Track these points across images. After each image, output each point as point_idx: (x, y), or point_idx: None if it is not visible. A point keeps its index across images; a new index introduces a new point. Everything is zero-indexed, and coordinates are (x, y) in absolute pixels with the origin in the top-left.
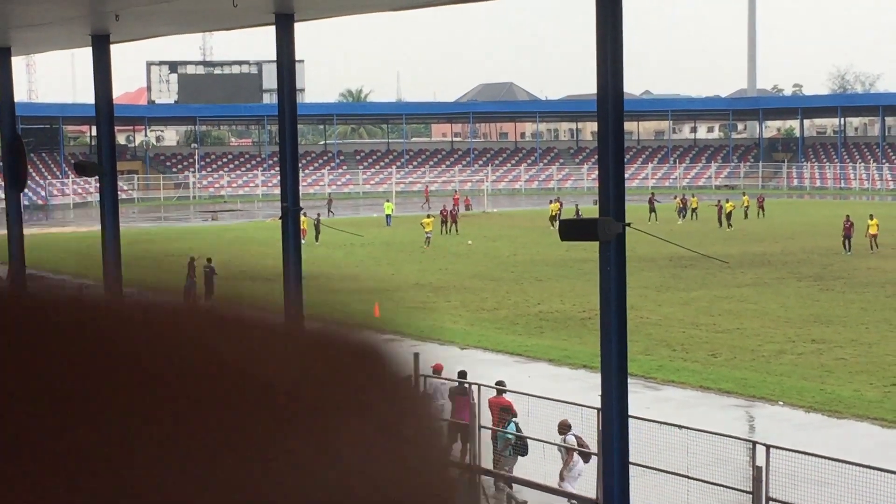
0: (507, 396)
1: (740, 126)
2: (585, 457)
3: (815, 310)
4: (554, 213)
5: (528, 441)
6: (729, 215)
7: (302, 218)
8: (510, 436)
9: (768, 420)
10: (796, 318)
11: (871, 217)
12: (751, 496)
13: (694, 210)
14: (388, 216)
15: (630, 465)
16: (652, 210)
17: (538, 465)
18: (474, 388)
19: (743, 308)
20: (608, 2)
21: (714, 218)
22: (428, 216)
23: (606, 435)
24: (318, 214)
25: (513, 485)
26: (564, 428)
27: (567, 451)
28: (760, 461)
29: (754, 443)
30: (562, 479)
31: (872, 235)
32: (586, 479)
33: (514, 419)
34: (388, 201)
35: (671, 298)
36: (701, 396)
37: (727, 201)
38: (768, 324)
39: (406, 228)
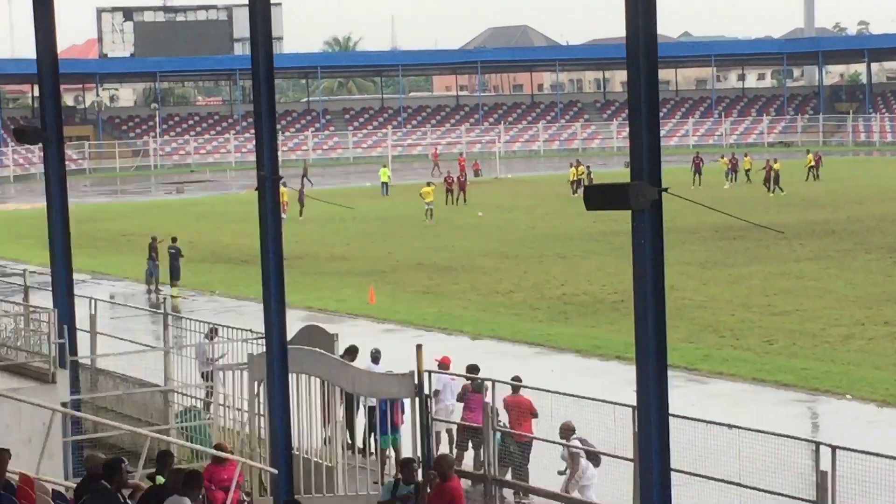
0: (526, 394)
1: (796, 72)
2: (595, 460)
3: (888, 287)
4: (575, 178)
5: (536, 443)
6: (777, 177)
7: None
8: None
9: (834, 417)
10: (866, 297)
11: None
12: None
13: (747, 171)
14: (384, 184)
15: (672, 472)
16: (697, 172)
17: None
18: (488, 385)
19: (802, 286)
20: None
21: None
22: (428, 184)
23: (644, 437)
24: (302, 184)
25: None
26: (568, 431)
27: (571, 458)
28: (825, 465)
29: (818, 444)
30: (568, 489)
31: None
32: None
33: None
34: (384, 167)
35: (718, 276)
36: (754, 390)
37: (775, 161)
38: (832, 304)
39: (405, 199)
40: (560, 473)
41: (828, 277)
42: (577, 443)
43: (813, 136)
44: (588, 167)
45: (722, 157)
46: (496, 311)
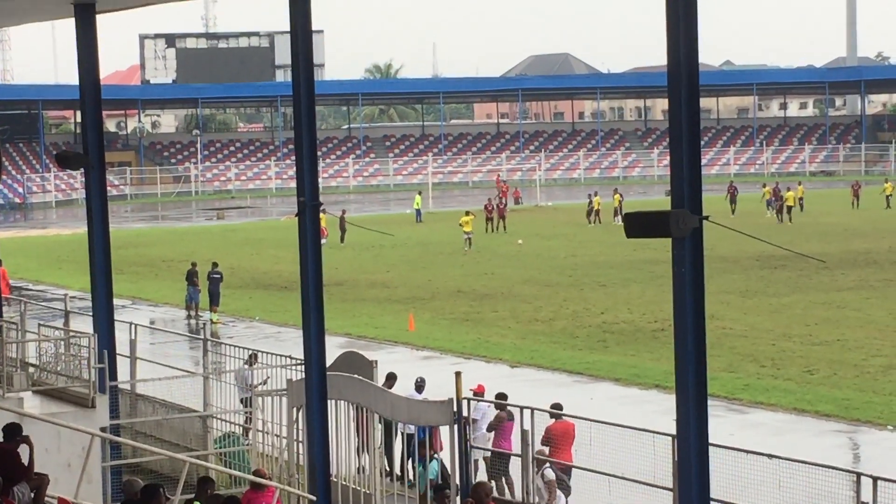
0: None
1: (839, 101)
2: (566, 490)
3: None
4: (598, 208)
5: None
6: (790, 207)
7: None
8: (431, 477)
9: (875, 448)
10: None
11: None
12: None
13: (800, 199)
14: (417, 211)
15: (711, 502)
16: (732, 201)
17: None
18: (526, 412)
19: (844, 316)
20: None
21: (817, 210)
22: (467, 213)
23: (683, 467)
24: (343, 211)
25: None
26: (541, 463)
27: (548, 489)
28: (867, 496)
29: (859, 474)
30: None
31: None
32: None
33: (436, 456)
34: (419, 194)
35: (759, 305)
36: (795, 420)
37: (788, 189)
38: (874, 334)
39: (444, 226)
40: None
41: (869, 307)
42: (550, 472)
43: (855, 166)
44: (618, 193)
45: (764, 187)
46: (535, 339)
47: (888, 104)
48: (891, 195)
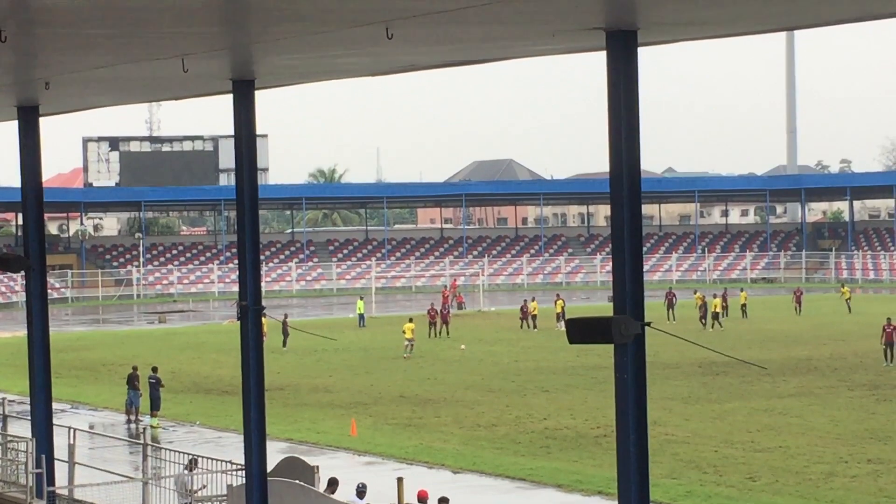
0: None
1: (779, 209)
2: None
3: (871, 424)
4: (533, 313)
5: None
6: (716, 314)
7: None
8: None
9: None
10: (848, 435)
11: None
12: None
13: (743, 306)
14: (360, 316)
15: None
16: (670, 307)
17: None
18: None
19: (786, 423)
20: (621, 63)
21: (759, 316)
22: (410, 319)
23: None
24: (286, 315)
25: None
26: None
27: None
28: None
29: None
30: None
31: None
32: None
33: None
34: (361, 298)
35: (701, 411)
36: None
37: (714, 296)
38: (816, 441)
39: (387, 331)
40: None
41: (811, 414)
42: None
43: (796, 273)
44: (559, 298)
45: (695, 293)
46: (478, 445)
47: (828, 212)
48: (849, 299)
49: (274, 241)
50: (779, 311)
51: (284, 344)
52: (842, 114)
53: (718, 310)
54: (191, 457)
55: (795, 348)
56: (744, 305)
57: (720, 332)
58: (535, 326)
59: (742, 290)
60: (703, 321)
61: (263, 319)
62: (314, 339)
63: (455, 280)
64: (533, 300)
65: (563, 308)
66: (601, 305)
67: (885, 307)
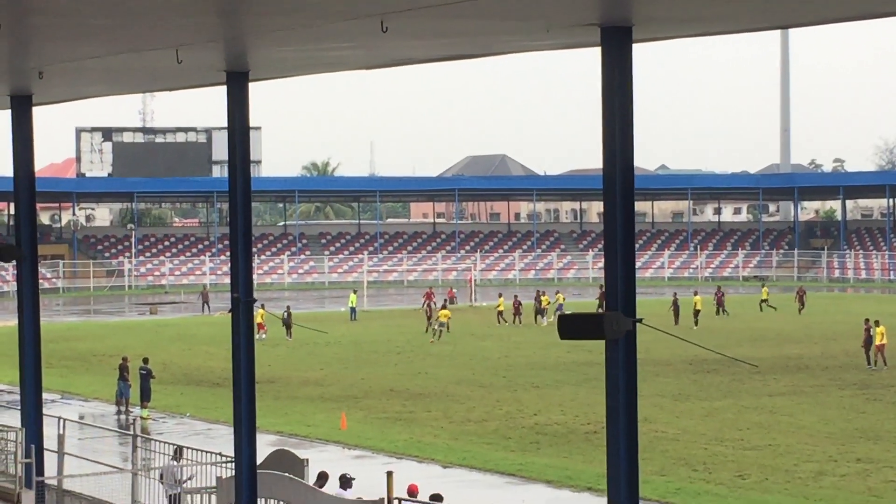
0: None
1: (772, 207)
2: None
3: (861, 423)
4: (502, 308)
5: None
6: (697, 311)
7: (260, 311)
8: None
9: None
10: (838, 433)
11: (878, 324)
12: None
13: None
14: (352, 309)
15: None
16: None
17: None
18: None
19: (776, 421)
20: (616, 59)
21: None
22: (444, 306)
23: None
24: (288, 307)
25: None
26: None
27: None
28: None
29: None
30: None
31: (879, 347)
32: None
33: None
34: (353, 292)
35: (691, 409)
36: None
37: (695, 294)
38: (806, 439)
39: (379, 325)
40: None
41: (801, 413)
42: None
43: (788, 272)
44: (539, 294)
45: (695, 294)
46: (468, 440)
47: (821, 211)
48: (766, 300)
49: (266, 233)
50: (770, 309)
51: (289, 335)
52: (835, 113)
53: (699, 308)
54: (176, 446)
55: (786, 346)
56: (764, 300)
57: (710, 330)
58: (520, 322)
59: (763, 286)
60: (676, 318)
61: (262, 312)
62: (305, 332)
63: (452, 290)
64: (543, 294)
65: (547, 304)
66: (594, 301)
67: (876, 307)
